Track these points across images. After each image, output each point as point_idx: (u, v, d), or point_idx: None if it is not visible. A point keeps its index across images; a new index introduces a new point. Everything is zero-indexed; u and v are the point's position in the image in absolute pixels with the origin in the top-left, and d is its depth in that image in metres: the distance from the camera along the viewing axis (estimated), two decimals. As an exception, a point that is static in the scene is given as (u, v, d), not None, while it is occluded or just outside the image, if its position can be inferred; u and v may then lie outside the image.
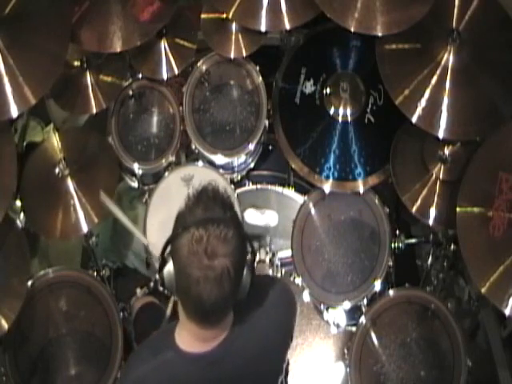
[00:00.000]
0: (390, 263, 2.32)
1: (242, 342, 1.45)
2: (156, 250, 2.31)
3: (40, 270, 2.25)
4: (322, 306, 2.39)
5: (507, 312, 1.78)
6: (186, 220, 1.33)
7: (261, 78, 2.44)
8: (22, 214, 2.21)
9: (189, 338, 1.42)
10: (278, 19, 2.22)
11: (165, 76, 2.39)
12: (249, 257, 1.41)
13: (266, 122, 2.43)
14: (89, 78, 2.32)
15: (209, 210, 1.33)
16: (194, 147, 2.47)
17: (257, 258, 2.52)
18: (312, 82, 2.36)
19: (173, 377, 1.43)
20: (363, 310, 2.26)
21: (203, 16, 2.40)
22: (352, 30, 2.00)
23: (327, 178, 2.29)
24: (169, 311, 1.91)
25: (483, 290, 1.80)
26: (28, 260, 2.10)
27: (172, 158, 2.47)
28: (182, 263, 1.30)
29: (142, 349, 1.55)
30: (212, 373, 1.42)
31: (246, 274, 1.40)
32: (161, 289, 2.37)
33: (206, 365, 1.41)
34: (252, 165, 2.65)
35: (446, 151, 2.15)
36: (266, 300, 1.52)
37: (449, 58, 2.01)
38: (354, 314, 2.32)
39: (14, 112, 1.90)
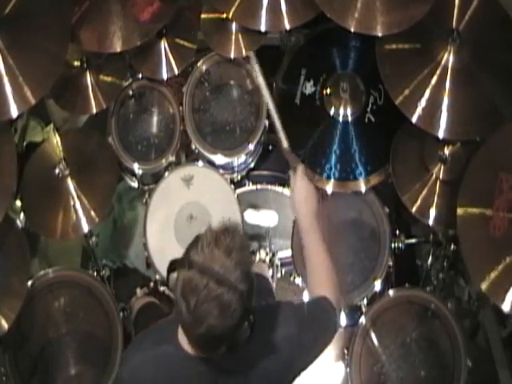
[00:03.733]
0: (390, 263, 2.32)
1: (242, 365, 1.44)
2: (154, 249, 2.32)
3: (40, 270, 2.26)
4: (322, 306, 2.39)
5: (506, 309, 1.78)
6: (197, 254, 1.27)
7: (261, 78, 2.44)
8: (21, 214, 2.21)
9: (188, 343, 1.41)
10: (277, 19, 2.22)
11: (165, 76, 2.39)
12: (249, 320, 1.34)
13: (266, 122, 2.43)
14: (89, 78, 2.32)
15: (220, 260, 1.25)
16: (193, 147, 2.47)
17: (256, 258, 2.53)
18: (312, 82, 2.35)
19: (170, 370, 1.44)
20: (363, 309, 2.26)
21: (203, 16, 2.40)
22: (352, 30, 1.99)
23: (328, 178, 2.29)
24: None
25: (483, 288, 1.80)
26: (28, 260, 2.10)
27: (172, 158, 2.47)
28: (176, 294, 1.29)
29: (145, 336, 1.55)
30: (209, 372, 1.42)
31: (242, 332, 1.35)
32: (161, 289, 2.38)
33: (203, 364, 1.41)
34: (252, 165, 2.65)
35: (446, 151, 2.15)
36: (276, 336, 1.48)
37: (449, 58, 2.01)
38: (354, 314, 2.32)
39: (14, 112, 1.90)
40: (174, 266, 1.32)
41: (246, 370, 1.45)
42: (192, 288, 1.23)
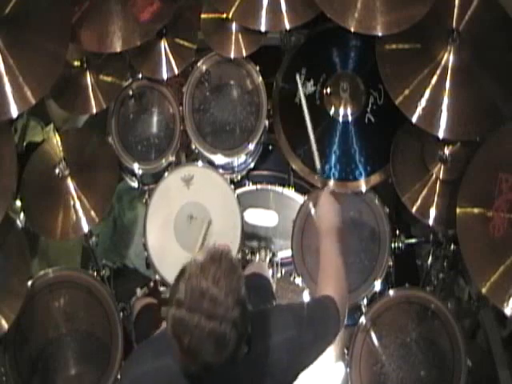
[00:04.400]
0: (390, 263, 2.32)
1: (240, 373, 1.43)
2: (154, 249, 2.32)
3: (40, 270, 2.26)
4: (322, 306, 2.39)
5: (508, 312, 1.78)
6: (185, 289, 1.23)
7: (261, 78, 2.44)
8: (21, 214, 2.21)
9: None
10: (277, 19, 2.22)
11: (165, 76, 2.39)
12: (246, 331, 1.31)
13: (266, 122, 2.43)
14: (89, 78, 2.32)
15: (208, 292, 1.21)
16: (193, 147, 2.47)
17: (256, 258, 2.53)
18: (312, 82, 2.35)
19: (169, 382, 1.43)
20: (363, 309, 2.26)
21: (203, 16, 2.40)
22: (352, 29, 2.00)
23: (328, 178, 2.29)
24: None
25: (483, 290, 1.81)
26: (28, 260, 2.10)
27: (172, 158, 2.47)
28: (168, 332, 1.26)
29: (144, 348, 1.56)
30: None
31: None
32: (161, 289, 2.38)
33: (202, 378, 1.40)
34: (252, 165, 2.65)
35: (446, 151, 2.15)
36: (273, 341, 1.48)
37: (449, 58, 2.01)
38: (353, 313, 2.32)
39: (14, 112, 1.90)
40: (163, 304, 1.30)
41: (246, 380, 1.45)
42: (183, 328, 1.22)
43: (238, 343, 1.26)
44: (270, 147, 2.73)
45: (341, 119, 2.32)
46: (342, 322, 1.61)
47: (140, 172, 2.47)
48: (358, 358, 2.18)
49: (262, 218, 2.66)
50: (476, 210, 1.89)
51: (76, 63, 2.31)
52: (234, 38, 2.37)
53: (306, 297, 2.36)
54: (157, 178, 2.44)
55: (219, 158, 2.44)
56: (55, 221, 2.21)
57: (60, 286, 2.25)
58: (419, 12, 1.97)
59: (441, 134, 2.01)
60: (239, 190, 2.51)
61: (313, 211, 2.35)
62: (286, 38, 2.47)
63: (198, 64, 2.46)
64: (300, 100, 2.33)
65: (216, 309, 1.21)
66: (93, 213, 2.22)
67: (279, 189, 2.60)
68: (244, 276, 1.31)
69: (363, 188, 2.30)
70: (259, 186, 2.62)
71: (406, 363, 2.16)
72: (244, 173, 2.65)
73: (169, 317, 1.25)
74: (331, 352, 2.45)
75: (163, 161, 2.46)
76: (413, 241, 2.51)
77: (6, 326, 1.98)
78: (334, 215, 1.86)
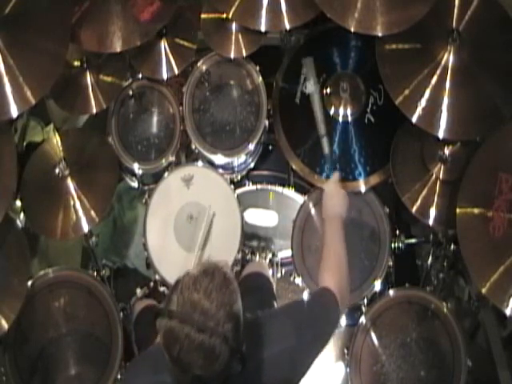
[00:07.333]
0: (390, 263, 2.32)
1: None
2: (154, 249, 2.32)
3: (40, 270, 2.26)
4: (322, 306, 2.39)
5: (508, 312, 1.78)
6: (177, 301, 1.24)
7: (261, 78, 2.44)
8: (21, 214, 2.21)
9: None
10: (278, 19, 2.22)
11: (165, 76, 2.39)
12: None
13: (266, 122, 2.43)
14: (89, 78, 2.32)
15: (200, 305, 1.21)
16: (193, 147, 2.47)
17: (256, 258, 2.53)
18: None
19: None
20: (363, 309, 2.26)
21: (203, 16, 2.40)
22: (352, 29, 2.00)
23: (327, 178, 2.29)
24: None
25: (483, 290, 1.80)
26: (28, 260, 2.10)
27: (172, 158, 2.47)
28: (160, 343, 1.26)
29: (143, 361, 1.56)
30: None
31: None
32: (161, 289, 2.38)
33: None
34: (252, 165, 2.65)
35: (446, 151, 2.15)
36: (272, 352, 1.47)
37: (449, 58, 2.01)
38: (354, 313, 2.32)
39: (14, 112, 1.90)
40: (157, 314, 1.29)
41: None
42: (174, 338, 1.21)
43: (228, 359, 1.24)
44: (270, 147, 2.74)
45: (341, 119, 2.32)
46: (341, 314, 1.61)
47: (140, 172, 2.47)
48: (357, 357, 2.18)
49: (262, 217, 2.66)
50: (476, 210, 1.89)
51: (76, 63, 2.31)
52: (233, 38, 2.37)
53: (306, 297, 2.36)
54: (157, 178, 2.44)
55: (219, 158, 2.44)
56: (55, 221, 2.21)
57: (60, 286, 2.25)
58: (419, 12, 1.97)
59: (441, 134, 2.01)
60: (239, 190, 2.51)
61: (313, 211, 2.35)
62: (286, 38, 2.47)
63: (198, 64, 2.46)
64: (300, 99, 2.35)
65: (207, 321, 1.21)
66: (93, 213, 2.22)
67: (279, 189, 2.60)
68: (239, 291, 1.29)
69: (363, 188, 2.30)
70: (259, 186, 2.62)
71: (405, 363, 2.16)
72: (244, 173, 2.65)
73: (161, 327, 1.25)
74: (331, 352, 2.45)
75: (163, 161, 2.46)
76: (413, 241, 2.51)
77: (5, 326, 1.98)
78: (341, 206, 1.97)
